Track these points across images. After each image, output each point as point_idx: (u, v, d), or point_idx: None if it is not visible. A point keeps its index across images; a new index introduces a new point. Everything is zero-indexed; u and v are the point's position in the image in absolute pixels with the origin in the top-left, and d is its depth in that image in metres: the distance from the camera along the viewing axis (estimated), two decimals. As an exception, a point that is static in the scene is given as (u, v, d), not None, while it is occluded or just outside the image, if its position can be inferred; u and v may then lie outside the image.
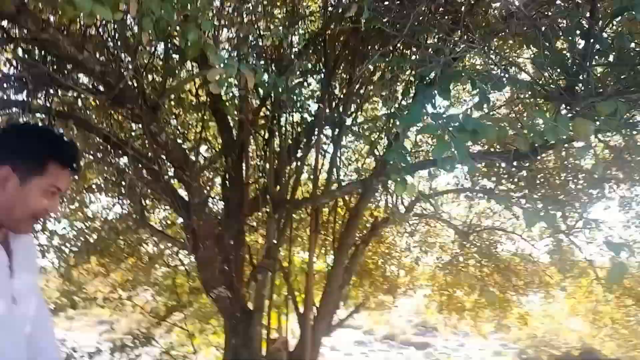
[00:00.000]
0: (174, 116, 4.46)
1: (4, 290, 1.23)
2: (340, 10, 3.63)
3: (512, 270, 6.17)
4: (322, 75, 4.31)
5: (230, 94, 4.08)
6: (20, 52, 3.28)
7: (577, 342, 8.60)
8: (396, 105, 3.74)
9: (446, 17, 3.24)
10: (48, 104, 3.69)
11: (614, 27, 2.67)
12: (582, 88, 1.71)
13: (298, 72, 4.21)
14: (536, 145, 2.87)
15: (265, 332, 4.29)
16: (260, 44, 3.97)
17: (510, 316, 6.54)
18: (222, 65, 1.59)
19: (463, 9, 2.74)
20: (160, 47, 3.62)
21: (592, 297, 6.20)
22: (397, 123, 3.20)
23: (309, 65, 4.44)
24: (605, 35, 2.14)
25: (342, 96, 4.48)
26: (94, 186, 4.64)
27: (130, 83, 3.20)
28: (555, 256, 5.60)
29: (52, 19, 3.17)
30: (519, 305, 6.39)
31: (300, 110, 4.30)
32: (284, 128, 4.27)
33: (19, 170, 1.20)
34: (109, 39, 3.51)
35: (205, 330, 5.27)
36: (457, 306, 6.47)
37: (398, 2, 3.32)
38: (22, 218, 1.25)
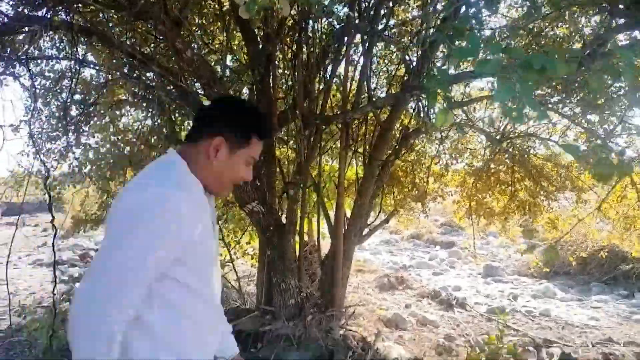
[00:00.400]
0: (196, 28, 4.28)
1: (213, 246, 1.43)
2: None
3: (543, 175, 6.10)
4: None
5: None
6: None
7: (605, 244, 8.70)
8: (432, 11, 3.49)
9: None
10: (69, 20, 3.59)
11: None
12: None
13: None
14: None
15: (298, 237, 4.40)
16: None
17: (540, 220, 6.57)
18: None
19: None
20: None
21: (625, 201, 6.12)
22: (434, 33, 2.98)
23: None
24: None
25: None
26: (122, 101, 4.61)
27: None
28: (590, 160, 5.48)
29: None
30: (548, 209, 6.38)
31: (329, 15, 4.05)
32: (311, 38, 4.07)
33: (229, 141, 1.38)
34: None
35: (240, 241, 5.47)
36: (486, 211, 6.51)
37: None
38: (226, 184, 1.45)
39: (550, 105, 5.01)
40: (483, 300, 7.52)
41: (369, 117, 4.69)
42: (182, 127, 4.66)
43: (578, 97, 4.83)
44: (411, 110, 4.53)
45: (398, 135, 4.81)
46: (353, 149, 4.67)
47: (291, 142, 4.94)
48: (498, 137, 5.40)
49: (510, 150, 5.87)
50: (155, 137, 4.88)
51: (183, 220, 1.23)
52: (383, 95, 5.13)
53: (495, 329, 5.44)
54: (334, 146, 5.36)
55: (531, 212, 6.37)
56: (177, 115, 4.62)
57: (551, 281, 9.05)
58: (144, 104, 4.49)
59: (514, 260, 10.65)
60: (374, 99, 4.09)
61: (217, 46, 4.73)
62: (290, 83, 4.47)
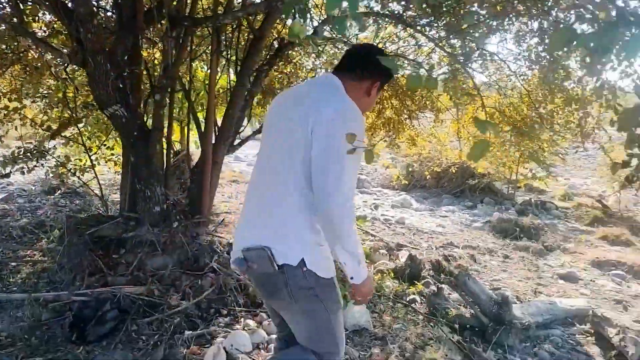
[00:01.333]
0: None
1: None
2: None
3: (408, 95, 6.48)
4: None
5: None
6: None
7: (456, 161, 9.67)
8: None
9: None
10: None
11: None
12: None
13: None
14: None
15: (166, 146, 4.30)
16: None
17: (402, 137, 7.06)
18: None
19: None
20: None
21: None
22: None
23: None
24: None
25: None
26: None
27: None
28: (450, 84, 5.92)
29: None
30: (410, 127, 6.87)
31: None
32: None
33: (380, 84, 1.87)
34: None
35: (105, 144, 5.17)
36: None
37: None
38: (364, 112, 1.83)
39: (419, 28, 5.22)
40: (348, 210, 8.05)
41: (243, 24, 4.55)
42: (34, 17, 4.14)
43: (445, 21, 5.08)
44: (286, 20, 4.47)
45: (276, 45, 4.76)
46: (226, 56, 4.55)
47: (160, 43, 4.66)
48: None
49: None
50: (2, 27, 4.32)
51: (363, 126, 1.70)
52: (258, 1, 4.97)
53: (355, 234, 5.90)
54: (207, 51, 5.17)
55: (395, 130, 6.82)
56: (27, 3, 4.09)
57: (409, 193, 9.92)
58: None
59: (379, 174, 11.45)
60: (246, 4, 3.96)
61: None
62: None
